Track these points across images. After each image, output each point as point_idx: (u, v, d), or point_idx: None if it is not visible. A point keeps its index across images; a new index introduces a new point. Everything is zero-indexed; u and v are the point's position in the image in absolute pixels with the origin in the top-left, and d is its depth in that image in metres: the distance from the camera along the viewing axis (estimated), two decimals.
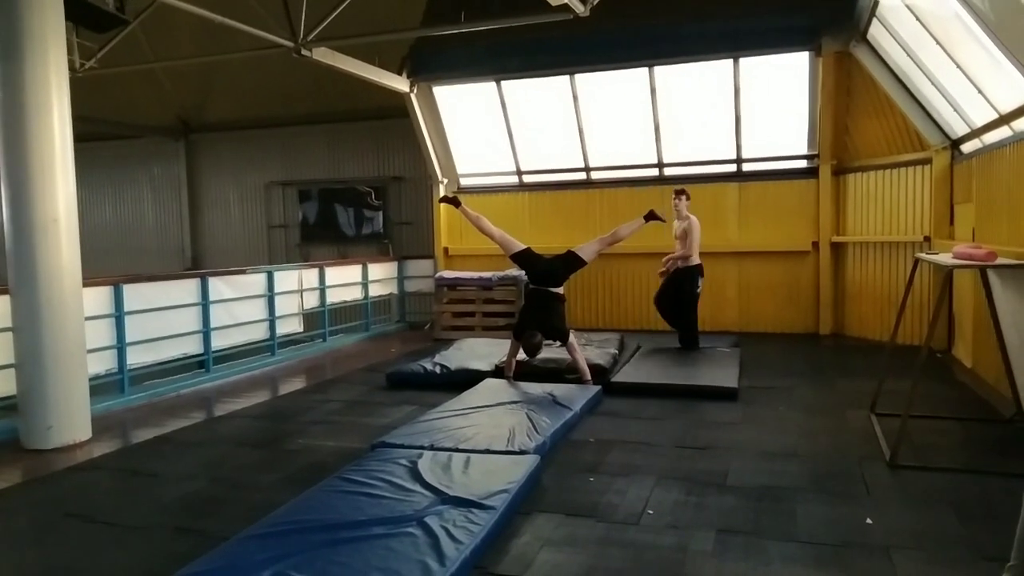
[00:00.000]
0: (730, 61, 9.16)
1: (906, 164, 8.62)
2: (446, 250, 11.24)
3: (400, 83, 10.19)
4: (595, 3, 7.11)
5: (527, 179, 10.90)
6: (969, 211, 7.29)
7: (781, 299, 9.84)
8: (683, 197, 8.05)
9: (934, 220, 8.20)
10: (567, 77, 9.81)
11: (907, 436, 4.68)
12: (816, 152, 9.55)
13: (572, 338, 6.47)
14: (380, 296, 11.13)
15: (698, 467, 4.54)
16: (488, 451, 4.58)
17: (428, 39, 10.07)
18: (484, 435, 4.90)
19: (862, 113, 9.04)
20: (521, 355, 6.65)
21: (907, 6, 6.40)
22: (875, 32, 7.93)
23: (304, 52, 8.10)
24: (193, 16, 7.29)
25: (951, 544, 3.39)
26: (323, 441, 5.30)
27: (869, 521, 3.64)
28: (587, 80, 9.83)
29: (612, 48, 9.39)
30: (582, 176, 10.63)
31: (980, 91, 6.14)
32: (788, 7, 8.72)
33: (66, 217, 5.31)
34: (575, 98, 9.91)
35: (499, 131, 10.57)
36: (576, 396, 5.94)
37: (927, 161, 8.29)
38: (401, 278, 11.54)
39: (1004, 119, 6.04)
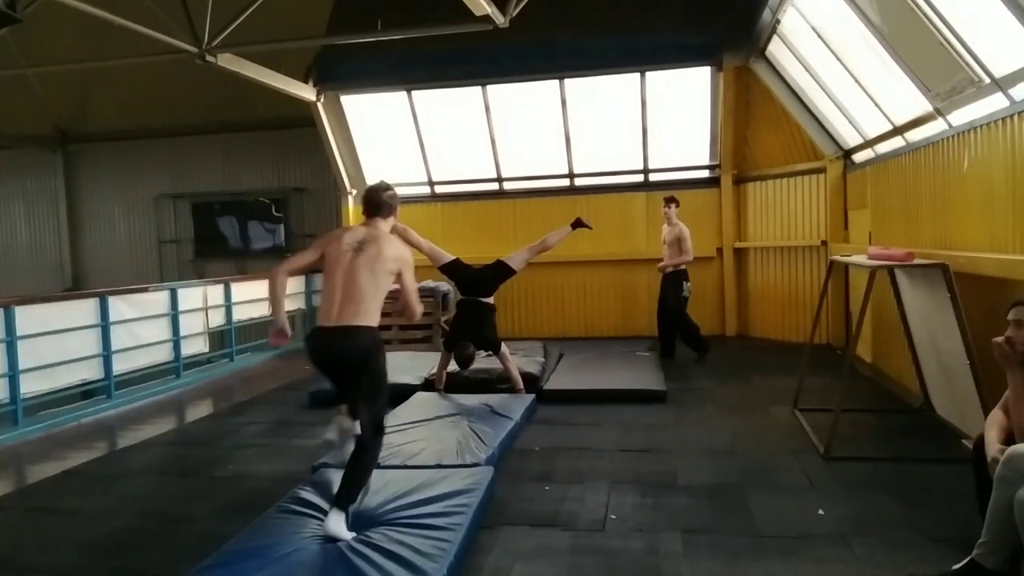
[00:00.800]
0: (637, 75, 9.43)
1: (802, 173, 9.16)
2: None
3: (306, 92, 9.89)
4: (514, 15, 7.13)
5: (439, 190, 10.81)
6: (864, 216, 7.81)
7: (690, 303, 10.17)
8: (673, 205, 8.25)
9: (830, 225, 8.74)
10: (479, 88, 9.81)
11: (828, 430, 4.97)
12: (718, 162, 9.98)
13: (504, 348, 6.44)
14: (288, 312, 10.67)
15: (646, 469, 4.61)
16: (439, 466, 4.46)
17: (334, 47, 9.84)
18: (431, 449, 4.79)
19: (760, 125, 9.53)
20: (452, 366, 6.56)
21: (811, 26, 6.79)
22: (773, 49, 8.39)
23: (209, 58, 7.71)
24: (69, 19, 6.81)
25: (899, 528, 3.59)
26: (255, 466, 5.03)
27: (821, 512, 3.81)
28: (499, 91, 9.87)
29: (524, 60, 9.48)
30: (495, 186, 10.65)
31: (876, 104, 6.59)
32: (691, 24, 9.09)
33: None
34: (487, 109, 9.92)
35: (410, 141, 10.43)
36: (513, 405, 5.91)
37: (822, 170, 8.83)
38: (309, 292, 11.14)
39: (898, 130, 6.51)
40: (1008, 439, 2.87)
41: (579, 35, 9.30)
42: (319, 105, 10.16)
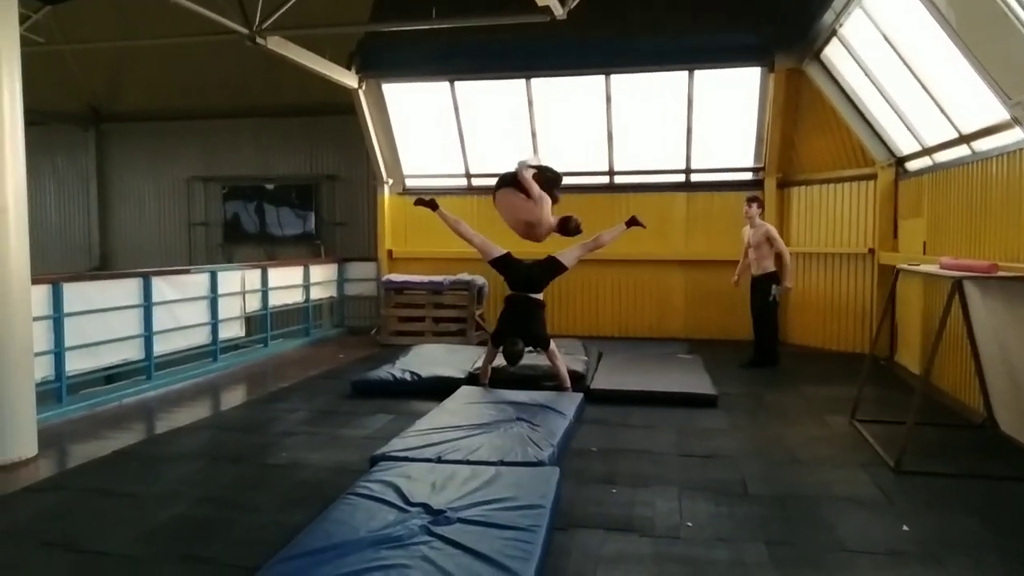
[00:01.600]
0: (685, 73, 9.29)
1: (850, 179, 9.00)
2: (390, 252, 10.87)
3: (349, 78, 9.79)
4: (572, 6, 7.00)
5: (476, 182, 10.69)
6: (918, 225, 7.66)
7: (725, 307, 10.04)
8: (755, 204, 7.97)
9: (879, 233, 8.58)
10: (523, 81, 9.70)
11: (892, 443, 4.86)
12: (762, 165, 9.84)
13: (553, 345, 6.33)
14: (320, 300, 10.64)
15: (712, 476, 4.50)
16: (502, 463, 4.36)
17: (377, 34, 9.74)
18: (490, 445, 4.68)
19: (808, 128, 9.38)
20: (498, 361, 6.46)
21: (879, 29, 6.63)
22: (829, 52, 8.23)
23: (259, 40, 7.61)
24: None
25: (987, 549, 3.46)
26: (307, 454, 4.94)
27: (906, 528, 3.68)
28: (543, 85, 9.74)
29: (569, 55, 9.36)
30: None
31: (942, 110, 6.43)
32: (744, 24, 8.92)
33: (15, 207, 4.73)
34: (530, 103, 9.81)
35: (449, 132, 10.32)
36: (565, 403, 5.80)
37: (872, 177, 8.68)
38: (341, 281, 11.08)
39: (964, 138, 6.35)
40: None
41: (627, 31, 9.15)
42: (360, 92, 10.06)
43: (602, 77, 9.49)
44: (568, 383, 6.37)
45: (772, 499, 4.11)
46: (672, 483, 4.33)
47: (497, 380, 6.54)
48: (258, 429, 5.58)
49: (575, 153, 10.26)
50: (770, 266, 7.92)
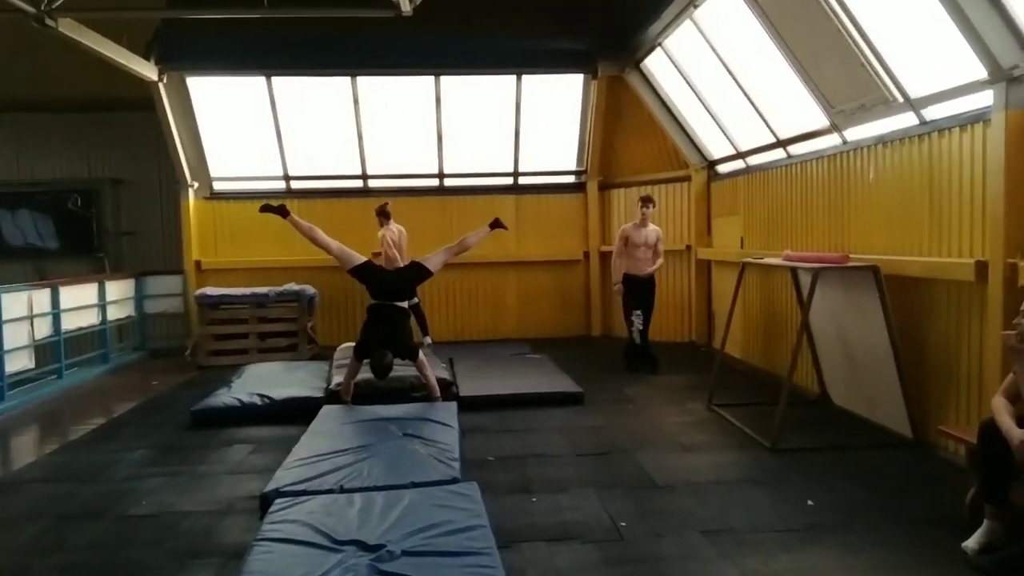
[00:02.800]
0: (513, 77, 9.41)
1: (667, 181, 9.65)
2: (198, 264, 9.85)
3: (147, 69, 8.70)
4: (419, 2, 6.77)
5: (296, 185, 10.02)
6: (733, 223, 8.38)
7: (556, 305, 10.35)
8: (651, 205, 7.83)
9: (695, 231, 9.28)
10: (348, 79, 9.25)
11: (754, 423, 5.29)
12: (584, 168, 10.25)
13: (422, 354, 6.07)
14: (117, 320, 9.37)
15: (618, 472, 4.56)
16: (414, 484, 4.07)
17: (179, 22, 8.76)
18: (389, 467, 4.35)
19: (628, 133, 9.92)
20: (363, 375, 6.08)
21: (706, 40, 7.14)
22: (649, 61, 8.76)
23: (48, 22, 6.49)
24: None
25: (877, 510, 3.82)
26: (174, 499, 4.28)
27: (810, 503, 3.96)
28: (370, 84, 9.36)
29: (398, 53, 9.07)
30: (359, 184, 10.09)
31: (763, 117, 7.08)
32: (569, 31, 9.20)
33: None
34: (356, 101, 9.37)
35: (266, 132, 9.57)
36: (444, 414, 5.57)
37: (687, 179, 9.38)
38: (140, 298, 9.85)
39: (781, 143, 7.06)
40: (1020, 423, 3.15)
41: (459, 32, 9.05)
42: (161, 86, 8.99)
43: (432, 78, 9.32)
44: (438, 392, 6.14)
45: (683, 488, 4.24)
46: (585, 484, 4.32)
47: (360, 396, 6.14)
48: (97, 476, 4.73)
49: (404, 155, 10.00)
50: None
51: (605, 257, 10.34)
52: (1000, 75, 3.94)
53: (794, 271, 6.14)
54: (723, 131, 8.18)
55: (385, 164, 10.06)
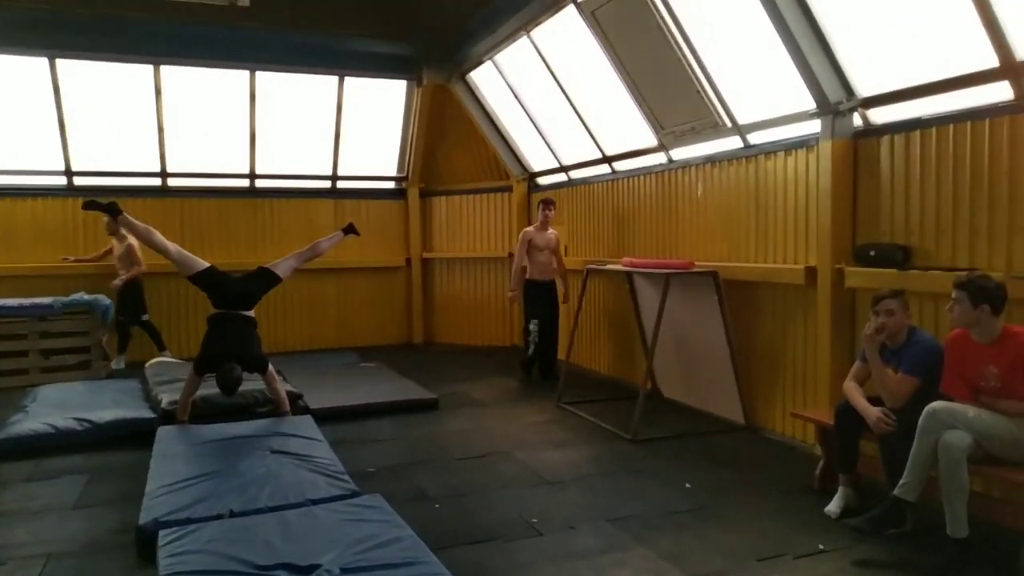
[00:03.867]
0: (336, 78, 9.15)
1: (488, 190, 9.94)
2: None
3: None
4: None
5: (80, 181, 8.86)
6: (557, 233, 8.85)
7: (376, 313, 10.20)
8: (552, 207, 7.59)
9: (516, 239, 9.63)
10: (151, 67, 8.40)
11: (605, 417, 5.77)
12: (406, 175, 10.22)
13: (271, 367, 5.70)
14: None
15: (506, 472, 4.67)
16: (311, 502, 3.86)
17: None
18: (274, 486, 4.06)
19: (451, 142, 10.05)
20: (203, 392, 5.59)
21: (542, 58, 7.48)
22: (476, 74, 8.98)
23: None
24: None
25: (743, 486, 4.32)
26: (16, 541, 3.64)
27: (688, 485, 4.36)
28: (175, 74, 8.57)
29: (211, 44, 8.44)
30: (157, 182, 9.16)
31: (591, 134, 7.58)
32: (396, 36, 9.11)
33: None
34: (158, 92, 8.53)
35: (45, 121, 8.38)
36: (304, 428, 5.30)
37: (508, 188, 9.73)
38: None
39: (607, 159, 7.62)
40: (875, 402, 3.74)
41: (278, 27, 8.60)
42: None
43: (247, 72, 8.76)
44: (287, 406, 5.81)
45: (570, 482, 4.46)
46: (480, 486, 4.37)
47: (196, 416, 5.62)
48: None
49: (209, 153, 9.26)
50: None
51: (427, 264, 10.41)
52: (827, 108, 4.64)
53: (630, 276, 6.67)
54: (548, 145, 8.62)
55: (188, 162, 9.25)
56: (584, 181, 8.23)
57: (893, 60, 4.40)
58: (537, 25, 7.16)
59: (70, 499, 4.27)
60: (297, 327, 9.74)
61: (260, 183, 9.63)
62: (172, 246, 5.55)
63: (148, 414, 5.69)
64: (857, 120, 4.70)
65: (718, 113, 5.74)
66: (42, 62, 8.06)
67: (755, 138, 5.64)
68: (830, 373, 4.74)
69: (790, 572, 3.25)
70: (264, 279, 5.79)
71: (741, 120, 5.63)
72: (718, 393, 5.86)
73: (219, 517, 3.67)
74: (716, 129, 5.86)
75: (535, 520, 3.83)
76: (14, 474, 4.73)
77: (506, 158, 9.55)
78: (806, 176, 5.06)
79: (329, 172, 9.87)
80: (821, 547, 3.46)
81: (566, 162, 8.57)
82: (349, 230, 6.45)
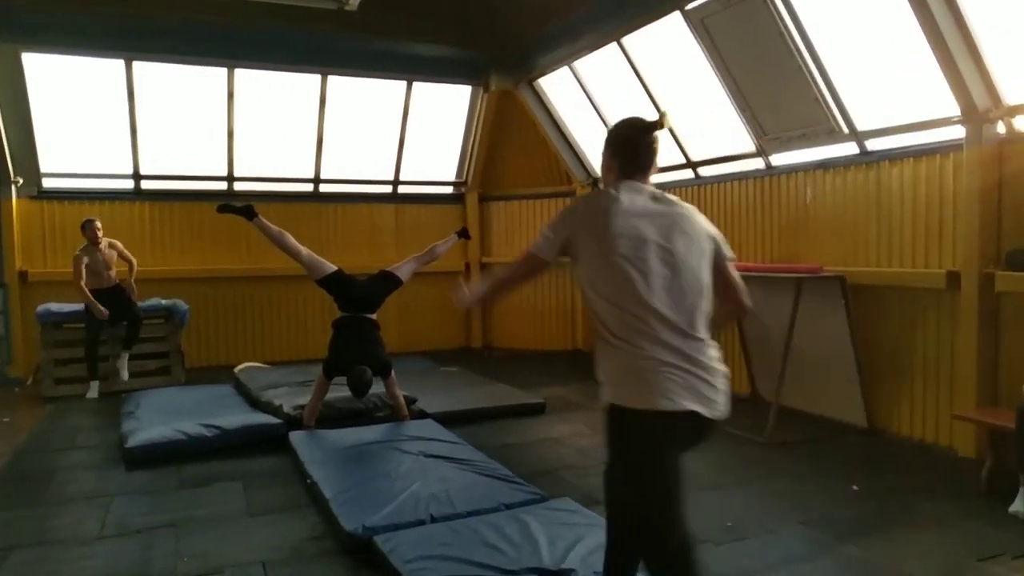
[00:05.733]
0: (404, 83, 9.14)
1: (549, 196, 9.96)
2: (24, 275, 8.21)
3: None
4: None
5: (148, 185, 8.76)
6: None
7: (437, 318, 10.17)
8: None
9: None
10: (224, 70, 8.33)
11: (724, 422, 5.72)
12: (465, 180, 10.22)
13: (392, 373, 5.68)
14: None
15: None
16: (506, 507, 3.86)
17: None
18: (456, 490, 4.07)
19: (511, 147, 10.07)
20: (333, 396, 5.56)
21: (631, 63, 7.52)
22: (545, 80, 9.02)
23: None
24: None
25: (913, 490, 4.38)
26: (216, 549, 3.60)
27: (855, 488, 4.40)
28: (248, 77, 8.51)
29: (283, 48, 8.38)
30: (223, 186, 9.08)
31: (675, 138, 7.64)
32: (464, 42, 9.11)
33: None
34: (230, 95, 8.46)
35: (114, 123, 8.27)
36: (438, 432, 5.33)
37: (571, 194, 9.76)
38: None
39: (691, 164, 7.68)
40: None
41: (349, 31, 8.56)
42: None
43: (319, 76, 8.72)
44: (406, 411, 5.79)
45: (732, 486, 4.49)
46: None
47: (317, 419, 5.60)
48: (82, 535, 3.80)
49: (276, 157, 9.20)
50: None
51: (486, 268, 10.40)
52: (975, 115, 4.72)
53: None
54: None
55: (255, 166, 9.18)
56: (661, 186, 8.24)
57: None
58: (631, 32, 7.19)
59: (238, 506, 4.21)
60: None
61: (324, 187, 9.57)
62: (304, 250, 5.55)
63: (272, 420, 5.63)
64: (1001, 127, 4.79)
65: (835, 120, 5.81)
66: (118, 64, 7.96)
67: (873, 144, 5.72)
68: (976, 375, 4.81)
69: (1016, 571, 3.29)
70: (387, 282, 5.78)
71: (860, 127, 5.71)
72: (835, 396, 5.91)
73: (422, 523, 3.66)
74: (831, 135, 5.93)
75: (730, 524, 3.86)
76: (160, 482, 4.66)
77: (570, 163, 9.58)
78: (939, 182, 5.13)
79: (391, 177, 9.83)
80: None
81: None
82: (463, 234, 6.46)
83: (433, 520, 3.69)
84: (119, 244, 7.64)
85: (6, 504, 4.29)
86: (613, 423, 2.36)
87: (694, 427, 2.30)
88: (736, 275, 2.58)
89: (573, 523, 3.57)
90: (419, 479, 4.26)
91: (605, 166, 2.55)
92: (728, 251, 2.54)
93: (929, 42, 4.70)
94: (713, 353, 2.35)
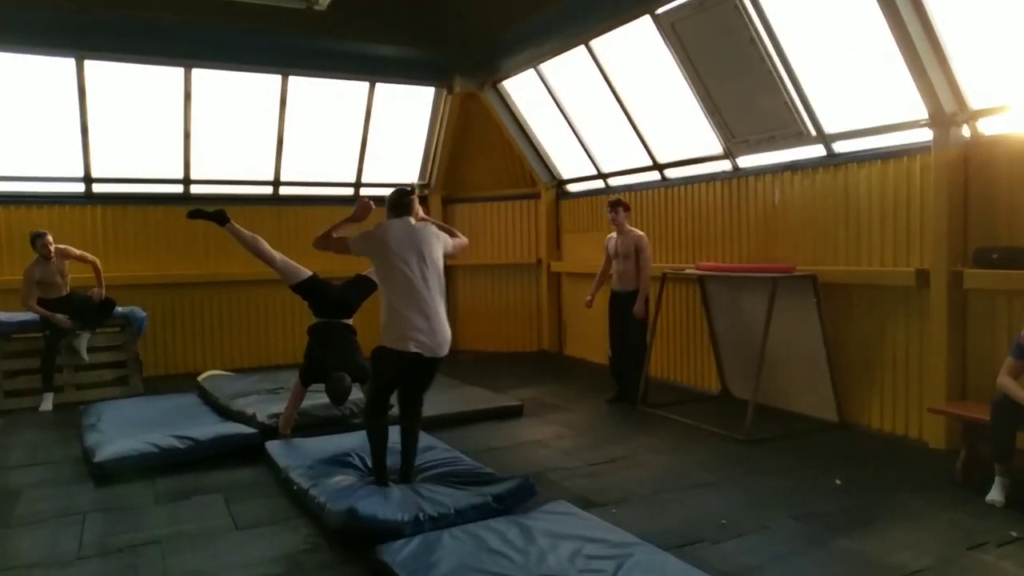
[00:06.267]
0: (367, 84, 9.01)
1: (514, 197, 9.96)
2: None
3: None
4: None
5: (100, 188, 8.42)
6: (591, 239, 8.94)
7: None
8: (620, 209, 6.61)
9: (546, 245, 9.70)
10: (181, 70, 8.07)
11: (698, 418, 5.91)
12: (427, 182, 10.13)
13: None
14: None
15: (642, 475, 4.72)
16: (502, 510, 3.83)
17: None
18: (452, 495, 4.01)
19: (474, 149, 10.02)
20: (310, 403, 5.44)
21: (598, 66, 7.57)
22: (509, 81, 9.01)
23: None
24: None
25: (895, 481, 4.51)
26: (218, 565, 3.47)
27: (838, 482, 4.51)
28: (205, 78, 8.26)
29: (242, 47, 8.18)
30: (179, 189, 8.81)
31: (643, 141, 7.72)
32: (428, 43, 9.04)
33: None
34: (187, 96, 8.20)
35: (64, 124, 7.94)
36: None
37: (535, 195, 9.78)
38: None
39: (658, 166, 7.76)
40: None
41: (309, 31, 8.40)
42: None
43: (279, 77, 8.53)
44: None
45: (720, 483, 4.53)
46: (634, 490, 4.41)
47: (293, 428, 5.47)
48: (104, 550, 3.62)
49: (235, 159, 8.96)
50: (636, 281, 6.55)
51: (450, 271, 10.25)
52: (943, 119, 4.89)
53: (702, 282, 6.82)
54: (587, 152, 8.71)
55: (212, 168, 8.92)
56: (627, 188, 8.34)
57: (1000, 72, 4.69)
58: (599, 35, 7.24)
59: (224, 520, 4.08)
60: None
61: (284, 190, 9.38)
62: (278, 255, 5.40)
63: (246, 429, 5.46)
64: (966, 130, 4.97)
65: (803, 123, 5.95)
66: (69, 63, 7.64)
67: (840, 147, 5.88)
68: (945, 371, 4.98)
69: (1004, 559, 3.41)
70: (363, 286, 5.66)
71: (828, 129, 5.86)
72: (806, 392, 6.05)
73: (422, 529, 3.59)
74: (799, 138, 6.07)
75: (724, 521, 3.90)
76: (137, 497, 4.48)
77: (535, 165, 9.59)
78: (907, 183, 5.30)
79: (353, 179, 9.68)
80: (1014, 534, 3.65)
81: (605, 169, 8.68)
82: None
83: (433, 521, 3.63)
84: (71, 249, 7.30)
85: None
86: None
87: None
88: (450, 243, 4.48)
89: (573, 526, 3.56)
90: (410, 484, 4.19)
91: (387, 211, 4.37)
92: (447, 242, 4.43)
93: (899, 47, 4.85)
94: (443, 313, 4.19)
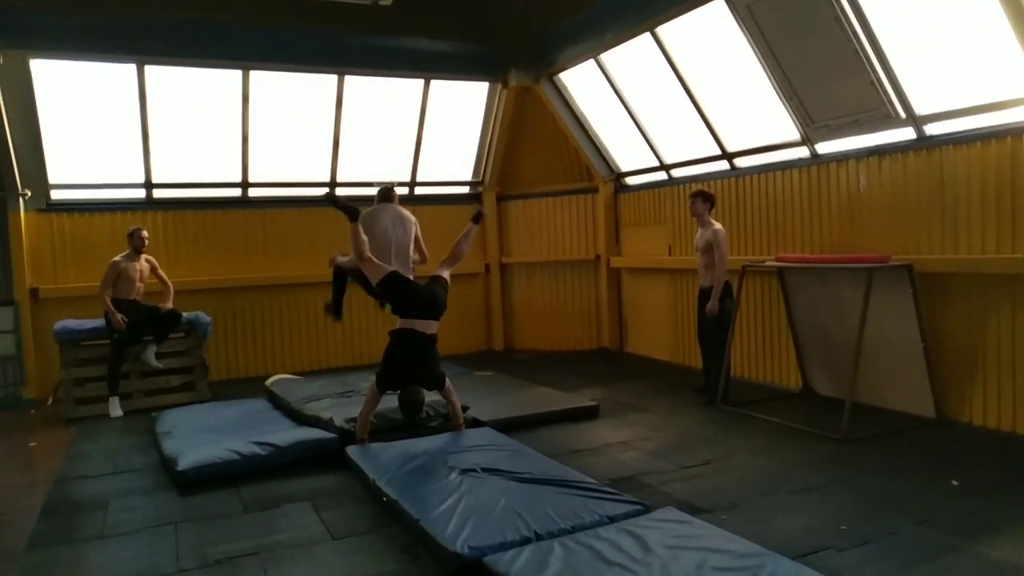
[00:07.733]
0: (421, 81, 8.89)
1: (570, 192, 9.75)
2: (35, 292, 7.85)
3: None
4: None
5: (159, 194, 8.44)
6: (652, 233, 8.73)
7: (456, 321, 9.90)
8: (699, 199, 6.38)
9: (604, 241, 9.49)
10: (239, 72, 8.03)
11: (787, 417, 5.69)
12: (481, 179, 9.99)
13: (448, 381, 5.43)
14: None
15: (740, 478, 4.52)
16: (610, 519, 3.66)
17: None
18: (554, 504, 3.84)
19: (528, 144, 9.84)
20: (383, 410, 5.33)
21: (665, 54, 7.34)
22: (566, 74, 8.82)
23: None
24: None
25: (1011, 482, 4.24)
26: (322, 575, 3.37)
27: (955, 482, 4.25)
28: (264, 79, 8.21)
29: (297, 48, 8.11)
30: (237, 193, 8.79)
31: (711, 129, 7.47)
32: (481, 37, 8.90)
33: None
34: (245, 98, 8.16)
35: (124, 130, 7.94)
36: (502, 441, 5.12)
37: (593, 190, 9.57)
38: None
39: (727, 156, 7.51)
40: None
41: (363, 30, 8.31)
42: None
43: (335, 76, 8.45)
44: (462, 419, 5.56)
45: (829, 486, 4.30)
46: (738, 494, 4.20)
47: (370, 432, 5.36)
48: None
49: (291, 161, 8.92)
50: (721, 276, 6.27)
51: (505, 269, 10.19)
52: None
53: (782, 275, 6.56)
54: (649, 144, 8.47)
55: (269, 171, 8.88)
56: (692, 179, 8.10)
57: None
58: (667, 21, 7.00)
59: (317, 529, 3.97)
60: (378, 338, 9.40)
61: (340, 191, 9.28)
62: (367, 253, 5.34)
63: (325, 434, 5.36)
64: None
65: (892, 104, 5.67)
66: (130, 68, 7.64)
67: (932, 129, 5.59)
68: None
69: None
70: (443, 285, 5.52)
71: (919, 111, 5.57)
72: (900, 387, 5.77)
73: (528, 541, 3.44)
74: (886, 121, 5.79)
75: (844, 527, 3.68)
76: (223, 506, 4.40)
77: (593, 159, 9.38)
78: (1011, 166, 5.00)
79: (408, 178, 9.58)
80: None
81: (668, 160, 8.45)
82: (477, 218, 6.12)
83: (539, 538, 3.47)
84: (155, 261, 7.40)
85: (67, 536, 4.00)
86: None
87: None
88: (421, 241, 6.14)
89: (688, 535, 3.37)
90: (504, 493, 4.03)
91: (376, 201, 5.96)
92: (418, 229, 6.08)
93: (1008, 17, 4.55)
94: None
